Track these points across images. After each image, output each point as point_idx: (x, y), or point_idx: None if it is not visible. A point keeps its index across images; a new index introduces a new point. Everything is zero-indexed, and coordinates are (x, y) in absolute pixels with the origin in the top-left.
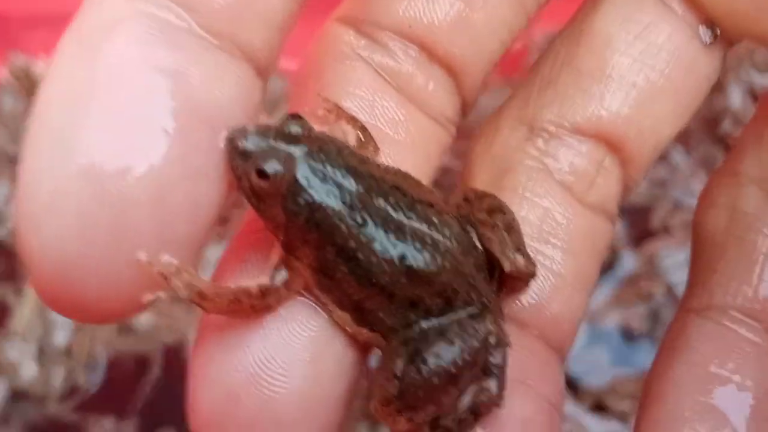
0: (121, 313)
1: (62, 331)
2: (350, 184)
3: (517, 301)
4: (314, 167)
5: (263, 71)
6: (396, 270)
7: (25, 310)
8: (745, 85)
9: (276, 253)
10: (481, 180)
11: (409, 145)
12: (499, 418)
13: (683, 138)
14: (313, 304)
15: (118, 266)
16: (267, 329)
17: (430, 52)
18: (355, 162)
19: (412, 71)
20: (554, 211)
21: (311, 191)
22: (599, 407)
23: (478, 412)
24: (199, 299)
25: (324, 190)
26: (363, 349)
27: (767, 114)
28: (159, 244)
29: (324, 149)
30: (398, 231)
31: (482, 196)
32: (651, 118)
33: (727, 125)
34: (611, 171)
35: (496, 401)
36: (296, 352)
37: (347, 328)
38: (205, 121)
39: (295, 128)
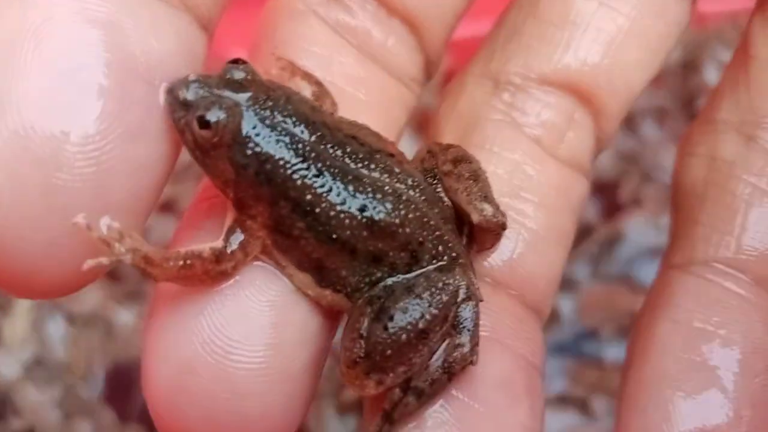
0: (64, 285)
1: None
2: (302, 132)
3: (489, 259)
4: (261, 114)
5: (206, 23)
6: (357, 223)
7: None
8: (719, 63)
9: (230, 215)
10: (448, 138)
11: (370, 104)
12: (473, 378)
13: (658, 116)
14: (272, 269)
15: (55, 233)
16: (222, 296)
17: (387, 6)
18: (307, 110)
19: (370, 27)
20: (524, 165)
21: (259, 140)
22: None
23: (451, 371)
24: (145, 264)
25: (273, 139)
26: (329, 315)
27: (742, 58)
28: (98, 209)
29: (271, 96)
30: (357, 181)
31: (446, 148)
32: (621, 65)
33: (702, 102)
34: (582, 124)
35: (469, 358)
36: (254, 319)
37: (309, 292)
38: (143, 76)
39: (238, 74)
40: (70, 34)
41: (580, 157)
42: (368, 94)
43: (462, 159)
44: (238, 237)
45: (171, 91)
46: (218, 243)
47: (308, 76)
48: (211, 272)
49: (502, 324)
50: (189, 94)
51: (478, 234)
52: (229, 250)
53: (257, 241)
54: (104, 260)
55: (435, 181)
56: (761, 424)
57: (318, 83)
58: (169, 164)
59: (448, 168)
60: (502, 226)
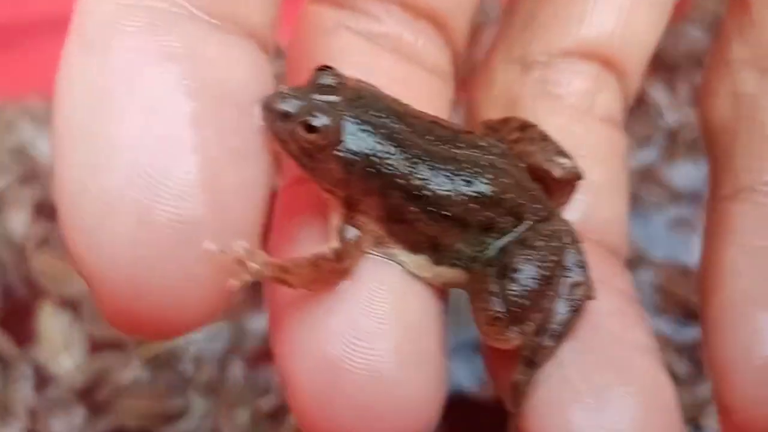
0: (201, 315)
1: None
2: (396, 124)
3: (565, 214)
4: (358, 113)
5: (265, 46)
6: (465, 198)
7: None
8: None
9: (336, 214)
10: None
11: (416, 99)
12: (593, 314)
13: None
14: (383, 259)
15: (187, 263)
16: (346, 293)
17: (412, 9)
18: (393, 103)
19: (399, 31)
20: (571, 126)
21: (362, 137)
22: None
23: (576, 308)
24: (283, 274)
25: (374, 134)
26: (441, 296)
27: (740, 4)
28: (221, 232)
29: (361, 94)
30: (454, 161)
31: (505, 120)
32: (633, 28)
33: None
34: (609, 84)
35: (589, 293)
36: (383, 308)
37: (425, 274)
38: (231, 101)
39: (329, 79)
40: (157, 73)
41: (614, 114)
42: (413, 91)
43: (527, 125)
44: (352, 233)
45: (267, 106)
46: (334, 243)
47: (362, 82)
48: (337, 270)
49: (594, 266)
50: (288, 105)
51: (554, 189)
52: (348, 246)
53: (369, 234)
54: (246, 277)
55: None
56: None
57: (373, 87)
58: (270, 181)
59: (516, 135)
60: (580, 176)
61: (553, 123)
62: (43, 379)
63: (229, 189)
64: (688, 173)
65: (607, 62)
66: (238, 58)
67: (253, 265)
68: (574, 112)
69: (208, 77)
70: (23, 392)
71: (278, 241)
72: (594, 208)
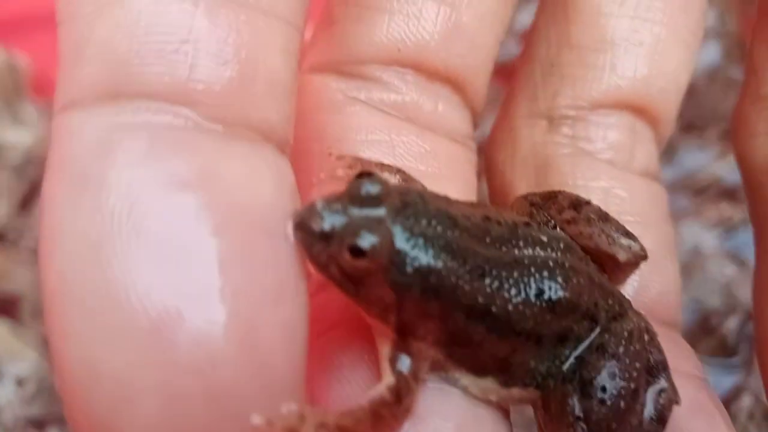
0: None
1: None
2: (450, 231)
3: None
4: (408, 225)
5: (284, 146)
6: (538, 309)
7: None
8: None
9: (386, 341)
10: (524, 186)
11: (445, 175)
12: (676, 419)
13: None
14: (441, 386)
15: None
16: None
17: (428, 72)
18: (442, 203)
19: (417, 98)
20: (614, 189)
21: (417, 254)
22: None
23: (664, 417)
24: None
25: (430, 249)
26: (506, 414)
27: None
28: (264, 394)
29: (409, 202)
30: (518, 264)
31: (549, 196)
32: (667, 70)
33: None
34: (644, 134)
35: (674, 399)
36: None
37: (492, 397)
38: (259, 229)
39: (374, 188)
40: (168, 209)
41: (652, 166)
42: (440, 164)
43: (580, 202)
44: (406, 363)
45: (301, 225)
46: (389, 378)
47: (386, 167)
48: (398, 413)
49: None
50: (326, 224)
51: (614, 271)
52: (405, 382)
53: (425, 362)
54: None
55: (559, 231)
56: None
57: (399, 171)
58: (308, 316)
59: (571, 215)
60: (645, 257)
61: (595, 186)
62: None
63: (268, 339)
64: None
65: (641, 110)
66: (259, 173)
67: (308, 429)
68: (614, 172)
69: (230, 204)
70: None
71: (315, 374)
72: (648, 280)
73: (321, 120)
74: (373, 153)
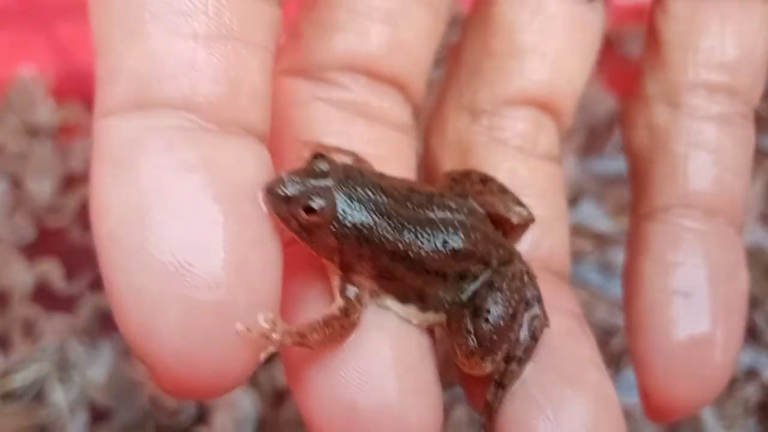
0: (237, 380)
1: None
2: (380, 198)
3: (518, 248)
4: (348, 192)
5: (263, 137)
6: (443, 255)
7: None
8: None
9: (336, 276)
10: (449, 165)
11: (391, 158)
12: (548, 337)
13: None
14: (377, 310)
15: (227, 341)
16: (354, 343)
17: (376, 76)
18: (375, 177)
19: (368, 97)
20: (518, 169)
21: (353, 213)
22: None
23: (536, 336)
24: (301, 339)
25: (363, 210)
26: (429, 334)
27: (653, 42)
28: (251, 309)
29: (350, 175)
30: (431, 223)
31: (467, 173)
32: (565, 75)
33: None
34: (547, 126)
35: (545, 323)
36: (387, 352)
37: (413, 320)
38: (246, 197)
39: (323, 165)
40: (182, 184)
41: (553, 151)
42: (386, 149)
43: (487, 178)
44: (352, 291)
45: (271, 191)
46: (339, 301)
47: (343, 151)
48: (346, 325)
49: (545, 290)
50: (288, 190)
51: (511, 232)
52: (351, 303)
53: (365, 290)
54: (272, 348)
55: (470, 199)
56: (734, 325)
57: (353, 154)
58: (282, 256)
59: (479, 188)
60: (533, 220)
61: (502, 167)
62: None
63: (254, 272)
64: None
65: (544, 106)
66: (245, 158)
67: (276, 336)
68: (520, 155)
69: (225, 181)
70: None
71: (287, 303)
72: (540, 239)
73: (291, 115)
74: (332, 140)
